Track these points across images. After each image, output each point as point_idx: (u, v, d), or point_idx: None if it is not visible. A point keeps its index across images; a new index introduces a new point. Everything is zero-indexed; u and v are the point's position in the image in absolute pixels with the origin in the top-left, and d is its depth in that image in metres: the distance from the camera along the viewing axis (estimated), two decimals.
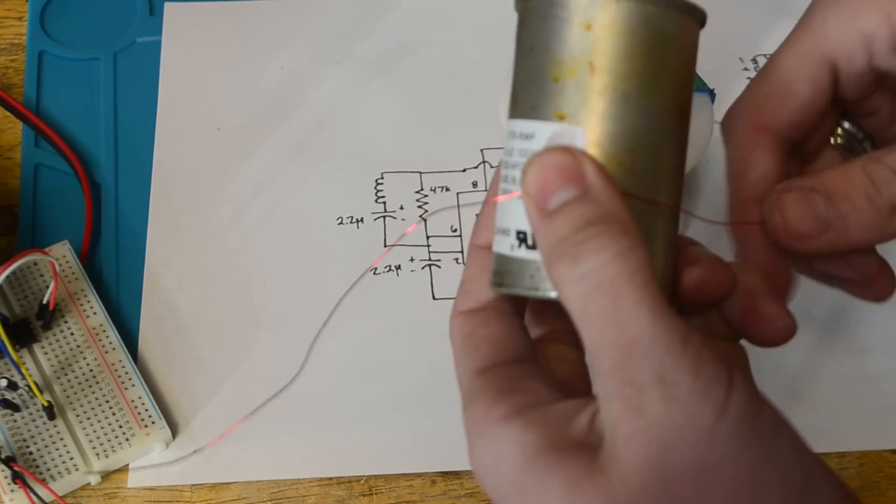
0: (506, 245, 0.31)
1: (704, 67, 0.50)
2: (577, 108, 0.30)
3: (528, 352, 0.33)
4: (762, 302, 0.32)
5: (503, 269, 0.32)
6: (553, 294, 0.30)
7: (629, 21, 0.30)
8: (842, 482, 0.29)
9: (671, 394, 0.27)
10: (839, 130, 0.38)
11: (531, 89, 0.31)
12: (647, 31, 0.30)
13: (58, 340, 0.48)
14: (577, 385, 0.33)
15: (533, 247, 0.30)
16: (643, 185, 0.30)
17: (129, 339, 0.50)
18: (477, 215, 0.34)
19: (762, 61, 0.60)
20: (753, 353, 0.35)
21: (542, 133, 0.30)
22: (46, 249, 0.50)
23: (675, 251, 0.32)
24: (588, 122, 0.30)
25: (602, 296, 0.27)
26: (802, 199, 0.33)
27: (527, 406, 0.30)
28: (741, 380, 0.28)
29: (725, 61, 0.57)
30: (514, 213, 0.31)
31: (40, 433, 0.46)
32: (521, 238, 0.31)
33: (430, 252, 0.53)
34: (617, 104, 0.30)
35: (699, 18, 0.31)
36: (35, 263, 0.50)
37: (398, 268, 0.53)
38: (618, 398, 0.27)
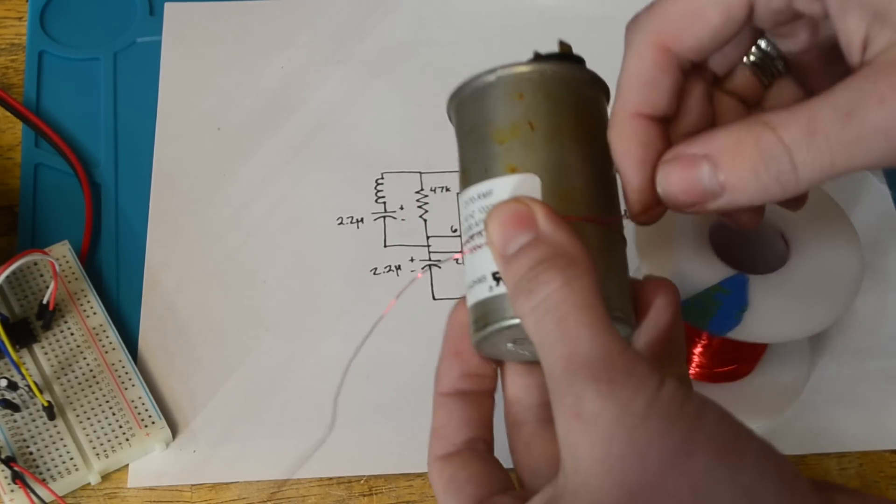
0: (484, 289, 0.34)
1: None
2: (525, 159, 0.35)
3: (505, 483, 0.36)
4: None
5: (484, 312, 0.35)
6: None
7: (554, 87, 0.36)
8: (768, 442, 0.31)
9: (606, 390, 0.29)
10: (754, 48, 0.38)
11: (480, 157, 0.36)
12: (569, 94, 0.36)
13: (58, 340, 0.48)
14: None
15: None
16: (585, 210, 0.35)
17: (129, 339, 0.50)
18: (438, 366, 0.38)
19: None
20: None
21: (498, 187, 0.35)
22: (46, 249, 0.50)
23: (624, 259, 0.36)
24: (536, 167, 0.35)
25: (550, 319, 0.31)
26: (687, 167, 0.34)
27: None
28: (671, 378, 0.30)
29: None
30: (486, 261, 0.34)
31: (40, 433, 0.46)
32: (498, 278, 0.34)
33: (430, 252, 0.53)
34: (557, 150, 0.35)
35: (604, 89, 0.37)
36: (35, 263, 0.50)
37: (398, 268, 0.53)
38: (563, 410, 0.30)
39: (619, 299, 0.35)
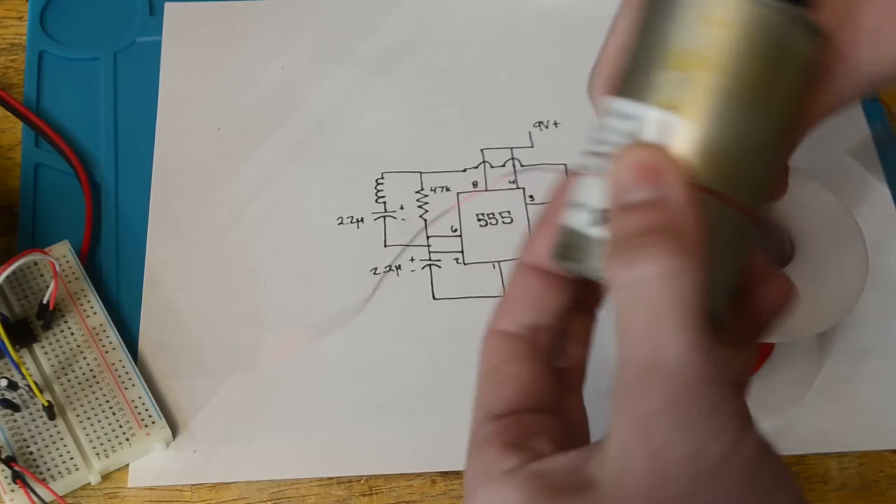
0: (582, 220, 0.30)
1: (809, 200, 0.48)
2: (690, 103, 0.29)
3: (549, 399, 0.32)
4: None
5: (573, 244, 0.30)
6: None
7: (751, 23, 0.29)
8: None
9: (685, 423, 0.26)
10: None
11: (645, 72, 0.30)
12: (768, 39, 0.30)
13: (58, 340, 0.48)
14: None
15: None
16: (733, 191, 0.30)
17: (129, 339, 0.50)
18: (531, 231, 0.33)
19: None
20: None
21: (645, 119, 0.30)
22: (46, 249, 0.50)
23: (748, 259, 0.31)
24: (695, 117, 0.29)
25: (644, 309, 0.27)
26: None
27: (532, 461, 0.30)
28: (757, 428, 0.27)
29: None
30: (597, 192, 0.30)
31: (40, 433, 0.46)
32: (604, 217, 0.29)
33: (430, 252, 0.53)
34: (727, 106, 0.29)
35: (820, 39, 0.31)
36: (35, 263, 0.50)
37: (398, 268, 0.53)
38: (627, 418, 0.27)
39: (726, 304, 0.30)
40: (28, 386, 0.46)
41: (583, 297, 0.34)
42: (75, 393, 0.47)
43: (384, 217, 0.54)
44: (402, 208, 0.54)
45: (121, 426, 0.46)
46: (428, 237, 0.54)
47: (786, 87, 0.30)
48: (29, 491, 0.44)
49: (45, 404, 0.46)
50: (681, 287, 0.27)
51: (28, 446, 0.46)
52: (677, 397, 0.26)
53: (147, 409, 0.47)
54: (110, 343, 0.49)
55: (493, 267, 0.53)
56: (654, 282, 0.27)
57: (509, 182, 0.55)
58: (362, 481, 0.47)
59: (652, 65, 0.30)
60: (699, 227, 0.28)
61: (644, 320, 0.27)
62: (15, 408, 0.46)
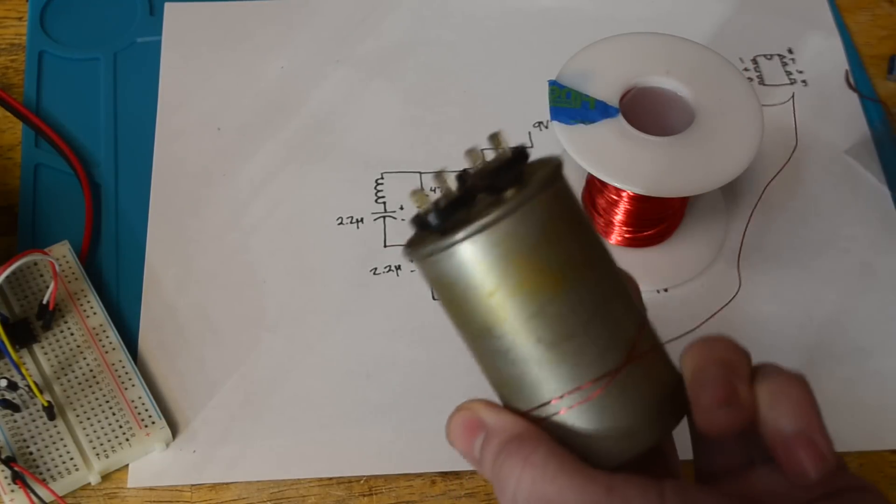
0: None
1: (706, 68, 0.50)
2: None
3: None
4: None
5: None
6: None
7: (435, 280, 0.33)
8: None
9: None
10: None
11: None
12: (442, 284, 0.33)
13: (58, 340, 0.48)
14: None
15: None
16: (563, 386, 0.33)
17: (129, 339, 0.50)
18: None
19: (762, 62, 0.60)
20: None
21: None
22: (46, 249, 0.50)
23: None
24: (482, 372, 0.35)
25: (535, 486, 0.32)
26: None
27: None
28: (671, 487, 0.31)
29: None
30: None
31: (40, 433, 0.46)
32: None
33: None
34: (471, 347, 0.34)
35: (457, 253, 0.32)
36: (35, 263, 0.50)
37: (398, 268, 0.53)
38: None
39: (652, 422, 0.33)
40: (28, 386, 0.46)
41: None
42: (75, 393, 0.47)
43: (384, 217, 0.54)
44: (401, 208, 0.54)
45: (121, 426, 0.46)
46: None
47: (474, 303, 0.33)
48: (29, 491, 0.44)
49: (45, 404, 0.46)
50: (539, 465, 0.32)
51: (28, 446, 0.46)
52: None
53: (147, 410, 0.47)
54: (110, 343, 0.49)
55: None
56: (523, 480, 0.32)
57: None
58: (362, 481, 0.47)
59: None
60: (521, 424, 0.33)
61: (544, 495, 0.32)
62: (15, 408, 0.46)
